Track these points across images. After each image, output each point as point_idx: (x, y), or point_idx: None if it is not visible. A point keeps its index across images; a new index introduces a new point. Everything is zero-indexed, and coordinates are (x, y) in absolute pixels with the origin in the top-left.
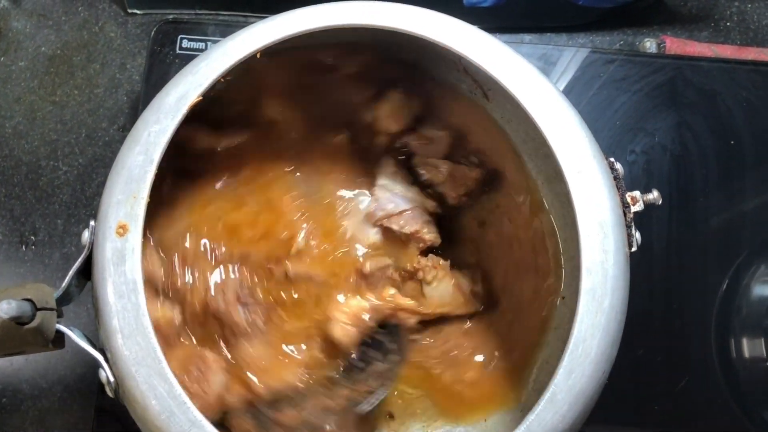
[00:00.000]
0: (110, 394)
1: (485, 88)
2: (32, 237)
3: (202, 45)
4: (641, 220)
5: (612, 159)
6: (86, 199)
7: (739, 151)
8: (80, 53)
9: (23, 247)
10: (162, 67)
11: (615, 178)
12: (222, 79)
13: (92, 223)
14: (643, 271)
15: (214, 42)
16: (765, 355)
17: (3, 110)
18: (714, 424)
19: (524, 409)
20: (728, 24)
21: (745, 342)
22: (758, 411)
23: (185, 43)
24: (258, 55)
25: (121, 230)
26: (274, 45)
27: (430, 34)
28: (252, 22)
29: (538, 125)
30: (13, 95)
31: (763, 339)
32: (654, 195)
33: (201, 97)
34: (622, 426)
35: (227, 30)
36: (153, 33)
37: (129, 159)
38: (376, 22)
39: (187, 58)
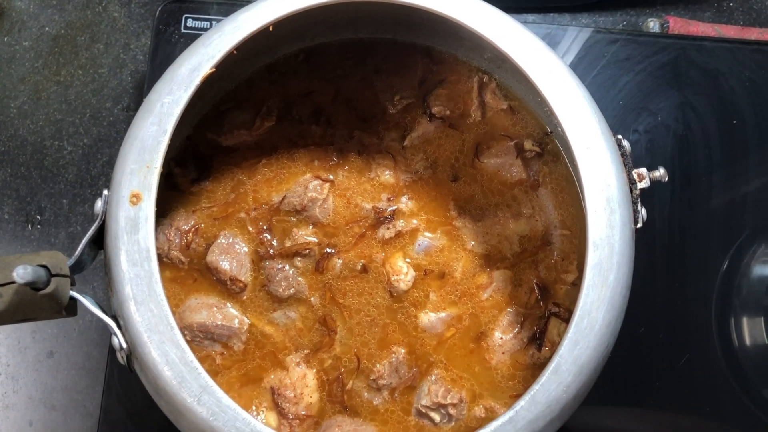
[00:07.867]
0: (122, 361)
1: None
2: (38, 216)
3: (206, 24)
4: (644, 200)
5: (619, 136)
6: (91, 178)
7: (742, 131)
8: (84, 33)
9: (29, 226)
10: (167, 47)
11: (622, 155)
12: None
13: (105, 192)
14: (646, 250)
15: (219, 21)
16: (764, 333)
17: (8, 90)
18: (714, 401)
19: None
20: (731, 4)
21: (745, 321)
22: (757, 388)
23: (190, 23)
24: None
25: (134, 199)
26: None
27: (445, 10)
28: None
29: (548, 100)
30: (18, 75)
31: (762, 318)
32: (660, 172)
33: (214, 69)
34: (624, 402)
35: (231, 9)
36: (158, 12)
37: (142, 129)
38: None
39: (191, 38)
